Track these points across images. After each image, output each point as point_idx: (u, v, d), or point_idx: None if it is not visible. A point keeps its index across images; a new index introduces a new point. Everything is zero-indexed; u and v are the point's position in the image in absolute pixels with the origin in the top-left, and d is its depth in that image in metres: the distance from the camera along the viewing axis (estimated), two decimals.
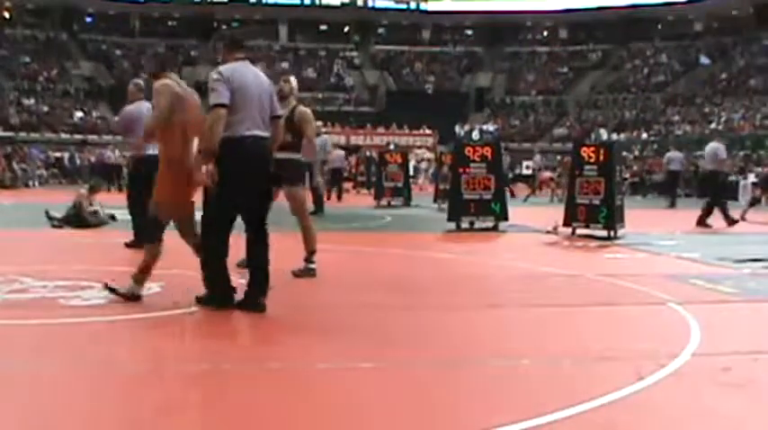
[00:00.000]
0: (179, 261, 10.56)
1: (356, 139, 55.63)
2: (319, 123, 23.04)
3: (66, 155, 48.60)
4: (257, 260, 7.72)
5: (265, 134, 7.63)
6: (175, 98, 7.70)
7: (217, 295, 7.60)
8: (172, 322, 7.15)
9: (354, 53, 73.18)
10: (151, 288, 8.37)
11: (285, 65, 70.12)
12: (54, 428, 4.42)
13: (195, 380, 5.31)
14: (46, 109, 59.11)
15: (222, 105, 7.29)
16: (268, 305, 7.58)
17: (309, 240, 9.87)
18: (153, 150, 11.76)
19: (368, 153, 41.62)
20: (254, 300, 7.54)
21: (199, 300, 7.69)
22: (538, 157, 39.36)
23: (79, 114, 58.85)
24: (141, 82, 13.43)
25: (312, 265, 9.72)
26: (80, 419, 4.54)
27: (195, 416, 4.64)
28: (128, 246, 12.00)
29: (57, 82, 63.09)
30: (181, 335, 6.75)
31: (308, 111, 9.95)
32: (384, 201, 26.10)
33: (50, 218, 15.77)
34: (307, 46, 73.36)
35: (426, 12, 74.82)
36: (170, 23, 72.87)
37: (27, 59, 65.14)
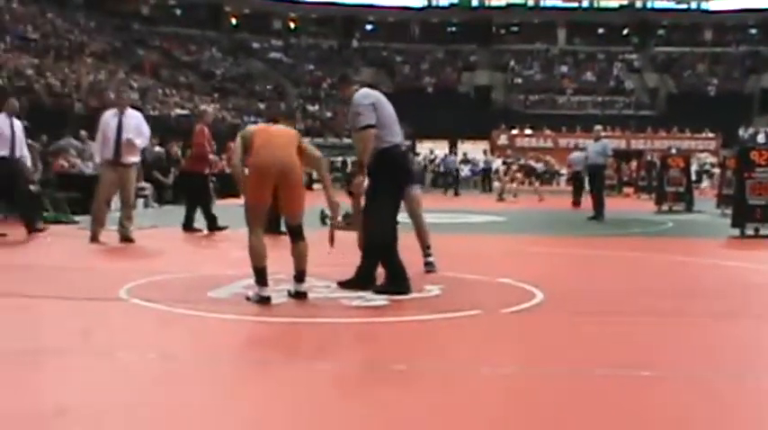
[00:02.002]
0: (455, 264, 10.68)
1: (636, 143, 54.65)
2: (599, 127, 22.76)
3: (346, 158, 49.96)
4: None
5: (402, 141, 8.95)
6: None
7: (396, 281, 8.38)
8: (456, 324, 7.21)
9: (634, 55, 71.88)
10: (431, 290, 8.51)
11: (564, 68, 69.75)
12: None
13: (495, 383, 5.32)
14: (329, 114, 60.98)
15: (372, 126, 8.48)
16: (538, 314, 7.66)
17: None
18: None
19: (649, 157, 40.74)
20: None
21: (377, 291, 8.32)
22: None
23: None
24: None
25: None
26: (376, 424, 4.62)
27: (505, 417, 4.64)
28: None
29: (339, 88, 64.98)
30: (466, 336, 6.81)
31: None
32: (665, 207, 25.49)
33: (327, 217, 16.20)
34: (585, 49, 72.60)
35: (708, 11, 72.68)
36: (449, 29, 73.70)
37: (311, 67, 67.50)
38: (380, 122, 8.57)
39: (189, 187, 16.52)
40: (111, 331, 6.85)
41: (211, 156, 15.89)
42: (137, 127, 13.79)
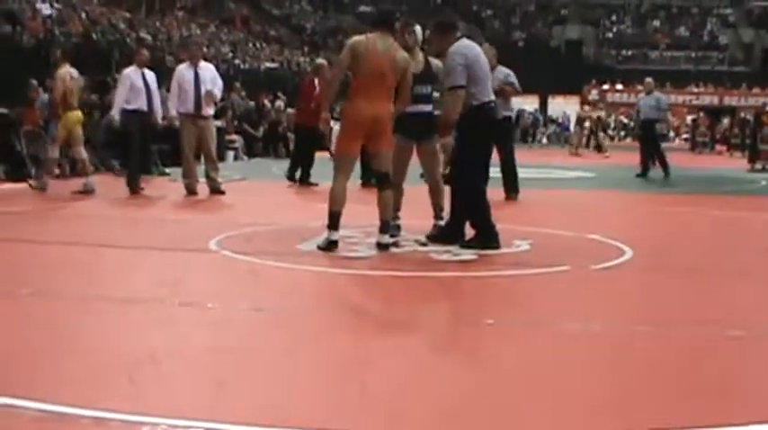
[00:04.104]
0: (544, 219, 10.65)
1: (730, 100, 53.64)
2: (649, 80, 21.69)
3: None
4: None
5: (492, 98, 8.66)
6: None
7: (485, 236, 8.28)
8: (545, 280, 7.19)
9: (728, 10, 70.32)
10: (520, 245, 8.49)
11: (657, 23, 68.59)
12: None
13: (582, 339, 5.29)
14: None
15: (461, 86, 8.22)
16: (627, 271, 7.61)
17: (437, 197, 9.26)
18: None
19: (743, 114, 39.95)
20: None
21: (463, 245, 8.28)
22: None
23: None
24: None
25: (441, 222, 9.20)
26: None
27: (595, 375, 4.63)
28: None
29: None
30: (554, 292, 6.80)
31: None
32: (758, 165, 25.01)
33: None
34: (679, 3, 71.16)
35: None
36: None
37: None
38: (474, 79, 8.33)
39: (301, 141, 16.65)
40: (202, 282, 6.95)
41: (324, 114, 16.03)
42: (213, 79, 13.77)
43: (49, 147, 13.52)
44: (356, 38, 8.30)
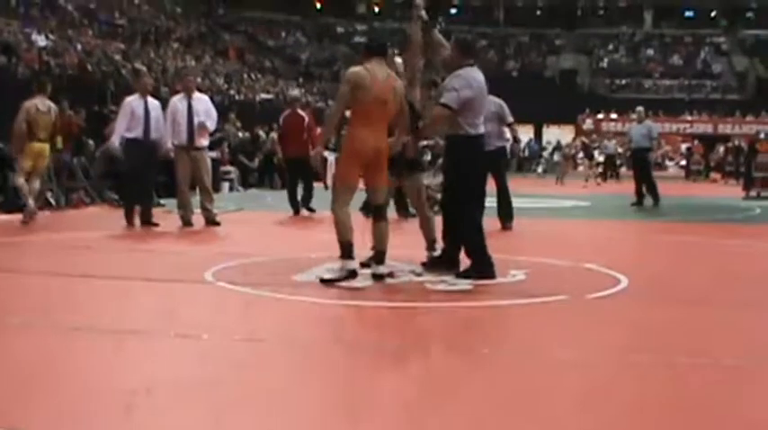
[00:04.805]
0: (541, 248, 10.65)
1: (724, 128, 53.78)
2: (640, 108, 21.60)
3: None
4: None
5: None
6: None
7: (480, 266, 8.26)
8: (541, 309, 7.16)
9: (722, 39, 70.61)
10: (516, 275, 8.48)
11: (650, 52, 68.85)
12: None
13: (578, 369, 5.28)
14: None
15: (451, 109, 8.28)
16: (623, 300, 7.60)
17: (428, 230, 9.19)
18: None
19: (737, 142, 40.06)
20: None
21: (459, 275, 8.28)
22: None
23: None
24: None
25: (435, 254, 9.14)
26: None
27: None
28: None
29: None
30: (551, 322, 6.78)
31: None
32: (753, 192, 25.05)
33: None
34: (672, 32, 71.46)
35: None
36: (534, 13, 73.09)
37: (396, 51, 67.36)
38: (473, 109, 8.44)
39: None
40: (197, 313, 6.93)
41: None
42: (206, 110, 13.73)
43: (16, 179, 13.71)
44: (354, 69, 8.23)
